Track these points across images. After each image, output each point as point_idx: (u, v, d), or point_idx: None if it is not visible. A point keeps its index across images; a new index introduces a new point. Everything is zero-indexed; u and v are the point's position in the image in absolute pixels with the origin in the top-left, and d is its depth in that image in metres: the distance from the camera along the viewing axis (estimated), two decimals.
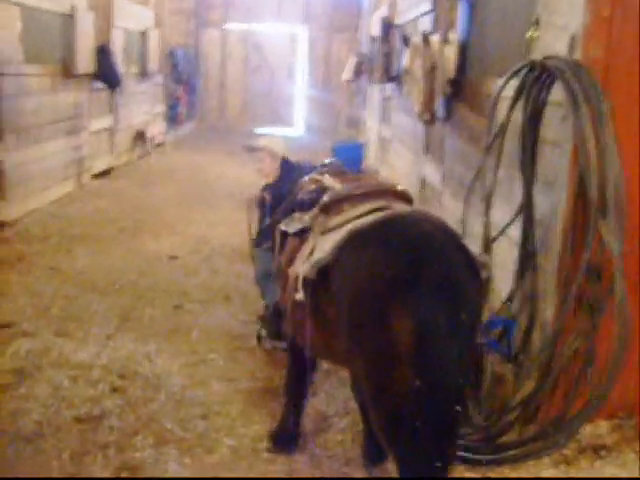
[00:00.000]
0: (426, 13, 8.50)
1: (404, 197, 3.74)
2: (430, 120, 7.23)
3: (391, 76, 11.48)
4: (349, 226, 3.34)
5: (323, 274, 3.33)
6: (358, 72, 16.00)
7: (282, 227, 4.00)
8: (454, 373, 2.91)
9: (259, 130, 22.09)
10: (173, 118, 19.22)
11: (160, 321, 6.11)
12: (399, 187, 3.84)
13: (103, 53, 11.96)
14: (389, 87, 12.24)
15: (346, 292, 3.15)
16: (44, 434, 4.25)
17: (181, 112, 19.88)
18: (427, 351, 2.85)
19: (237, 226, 9.49)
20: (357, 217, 3.39)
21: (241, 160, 16.21)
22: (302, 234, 3.76)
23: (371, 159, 15.14)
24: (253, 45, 22.42)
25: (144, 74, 15.69)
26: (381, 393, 3.01)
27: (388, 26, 11.54)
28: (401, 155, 10.74)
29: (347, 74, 16.87)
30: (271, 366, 5.27)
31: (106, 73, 12.04)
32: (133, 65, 15.00)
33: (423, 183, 8.50)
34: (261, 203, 5.51)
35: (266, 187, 5.50)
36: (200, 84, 22.14)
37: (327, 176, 4.10)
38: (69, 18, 10.86)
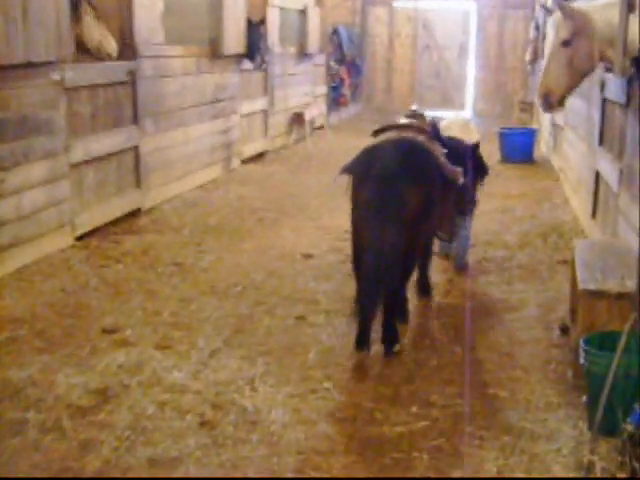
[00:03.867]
0: None
1: (422, 131, 5.36)
2: (547, 107, 6.12)
3: None
4: (366, 145, 5.17)
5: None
6: (536, 52, 14.71)
7: None
8: (387, 229, 4.67)
9: (428, 112, 21.04)
10: (336, 100, 18.54)
11: (276, 335, 5.34)
12: (423, 125, 5.55)
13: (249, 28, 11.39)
14: None
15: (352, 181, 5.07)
16: (108, 476, 3.59)
17: (344, 94, 19.15)
18: (370, 214, 4.77)
19: None
20: (375, 140, 5.24)
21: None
22: None
23: (543, 147, 13.82)
24: (422, 24, 21.37)
25: (303, 54, 15.07)
26: (355, 234, 5.14)
27: None
28: (574, 145, 9.48)
29: (529, 55, 15.62)
30: (397, 406, 4.37)
31: (250, 48, 11.46)
32: (291, 45, 14.40)
33: (597, 179, 7.29)
34: None
35: None
36: (365, 64, 21.34)
37: (402, 116, 5.78)
38: None
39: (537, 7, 18.90)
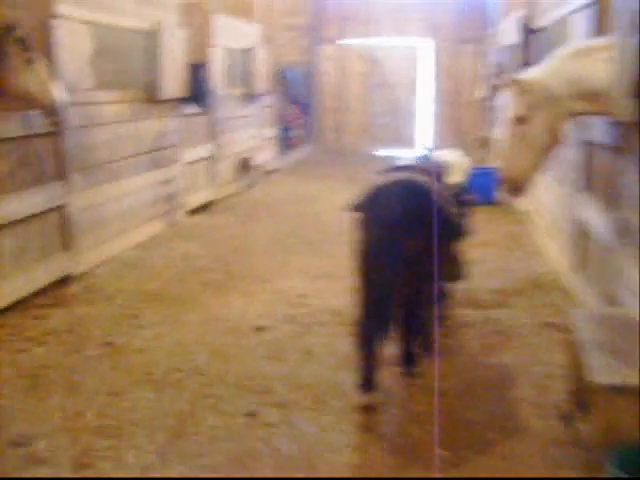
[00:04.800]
0: (583, 7, 6.56)
1: (426, 173, 5.23)
2: (513, 194, 5.44)
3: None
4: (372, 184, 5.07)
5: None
6: (492, 88, 14.12)
7: None
8: (386, 263, 4.73)
9: (380, 152, 20.44)
10: (286, 142, 17.74)
11: (222, 441, 4.40)
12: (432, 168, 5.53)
13: (191, 71, 10.60)
14: None
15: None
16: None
17: (295, 135, 18.38)
18: (371, 252, 4.79)
19: (344, 281, 7.81)
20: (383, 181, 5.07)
21: (361, 188, 14.54)
22: None
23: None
24: (372, 61, 20.78)
25: (250, 96, 14.25)
26: (358, 271, 4.86)
27: (527, 30, 9.58)
28: (548, 187, 8.73)
29: (479, 91, 15.04)
30: None
31: (194, 92, 10.64)
32: (237, 86, 13.58)
33: (582, 230, 6.53)
34: None
35: None
36: (316, 104, 20.64)
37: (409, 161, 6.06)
38: (153, 36, 9.46)
39: (489, 41, 18.44)
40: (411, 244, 4.76)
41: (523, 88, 5.12)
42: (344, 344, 5.94)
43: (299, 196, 13.51)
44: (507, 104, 5.36)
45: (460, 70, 20.38)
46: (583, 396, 4.33)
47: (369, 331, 4.72)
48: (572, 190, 7.01)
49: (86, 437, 4.44)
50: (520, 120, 5.16)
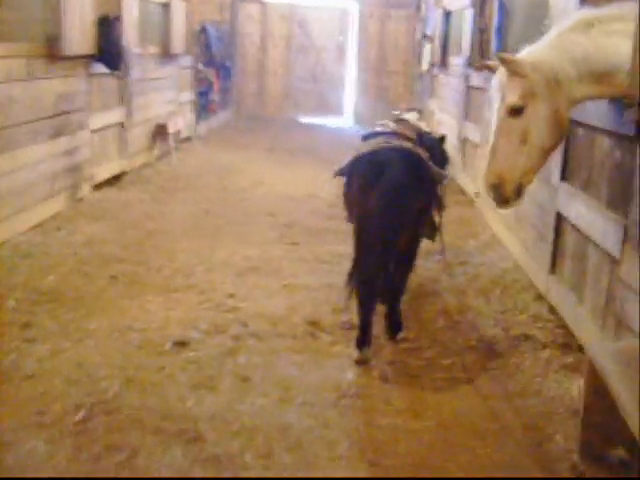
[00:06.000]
0: None
1: (407, 138, 5.41)
2: (500, 202, 4.41)
3: (487, 60, 8.55)
4: (357, 152, 5.33)
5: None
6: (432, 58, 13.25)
7: None
8: (391, 227, 4.93)
9: (304, 119, 19.41)
10: (204, 107, 16.39)
11: None
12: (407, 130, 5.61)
13: (102, 25, 9.21)
14: (480, 75, 9.30)
15: (352, 186, 5.28)
16: None
17: (213, 100, 17.03)
18: (377, 219, 4.91)
19: (276, 277, 6.72)
20: (368, 147, 5.28)
21: (285, 158, 13.45)
22: None
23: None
24: (297, 22, 19.50)
25: (166, 55, 12.87)
26: (358, 235, 5.11)
27: None
28: None
29: (426, 63, 14.17)
30: None
31: (105, 50, 9.26)
32: (152, 44, 12.17)
33: (562, 227, 5.58)
34: None
35: None
36: (236, 67, 19.28)
37: (390, 122, 5.74)
38: None
39: (423, 6, 17.44)
40: (413, 206, 5.06)
41: (520, 70, 4.09)
42: (287, 366, 4.88)
43: (219, 167, 12.30)
44: (492, 90, 4.31)
45: (389, 36, 19.31)
46: (599, 448, 3.43)
47: (369, 290, 4.96)
48: (546, 179, 6.03)
49: None
50: (514, 112, 4.15)
